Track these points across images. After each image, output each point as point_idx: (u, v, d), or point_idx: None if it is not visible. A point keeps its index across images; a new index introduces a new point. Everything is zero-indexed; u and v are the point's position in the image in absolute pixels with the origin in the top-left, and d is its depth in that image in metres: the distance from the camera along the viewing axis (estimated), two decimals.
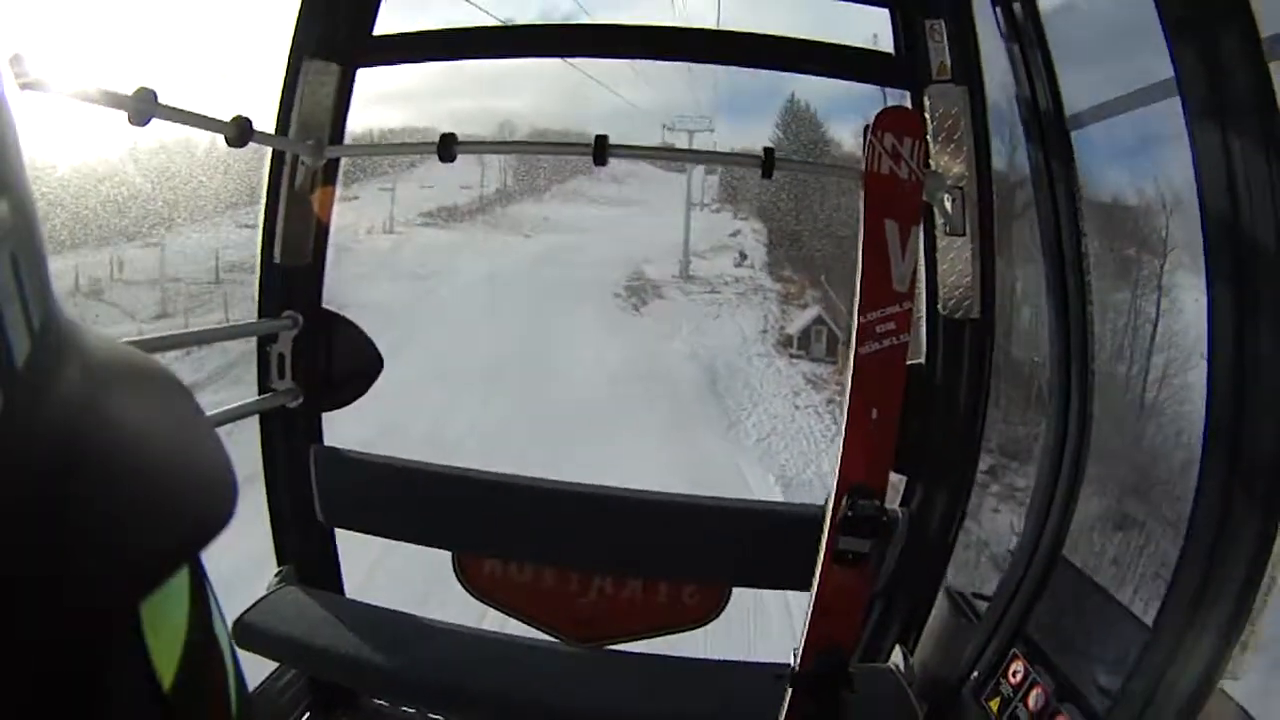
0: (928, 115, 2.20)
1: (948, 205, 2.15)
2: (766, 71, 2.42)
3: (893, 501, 2.26)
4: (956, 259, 2.19)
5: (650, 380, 19.06)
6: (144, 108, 1.72)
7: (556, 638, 2.34)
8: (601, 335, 21.05)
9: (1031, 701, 2.05)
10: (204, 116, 1.99)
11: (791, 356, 21.32)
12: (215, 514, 0.34)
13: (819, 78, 2.37)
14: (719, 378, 20.30)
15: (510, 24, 2.42)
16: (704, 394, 19.40)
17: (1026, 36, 2.18)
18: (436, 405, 15.03)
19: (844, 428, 1.92)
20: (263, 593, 2.38)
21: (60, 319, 0.33)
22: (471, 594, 2.35)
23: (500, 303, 21.46)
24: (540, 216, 29.16)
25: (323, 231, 2.39)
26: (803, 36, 2.29)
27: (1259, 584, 1.58)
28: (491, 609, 2.37)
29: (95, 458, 0.31)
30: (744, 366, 20.96)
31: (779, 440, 17.64)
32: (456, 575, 2.36)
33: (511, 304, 21.40)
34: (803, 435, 17.89)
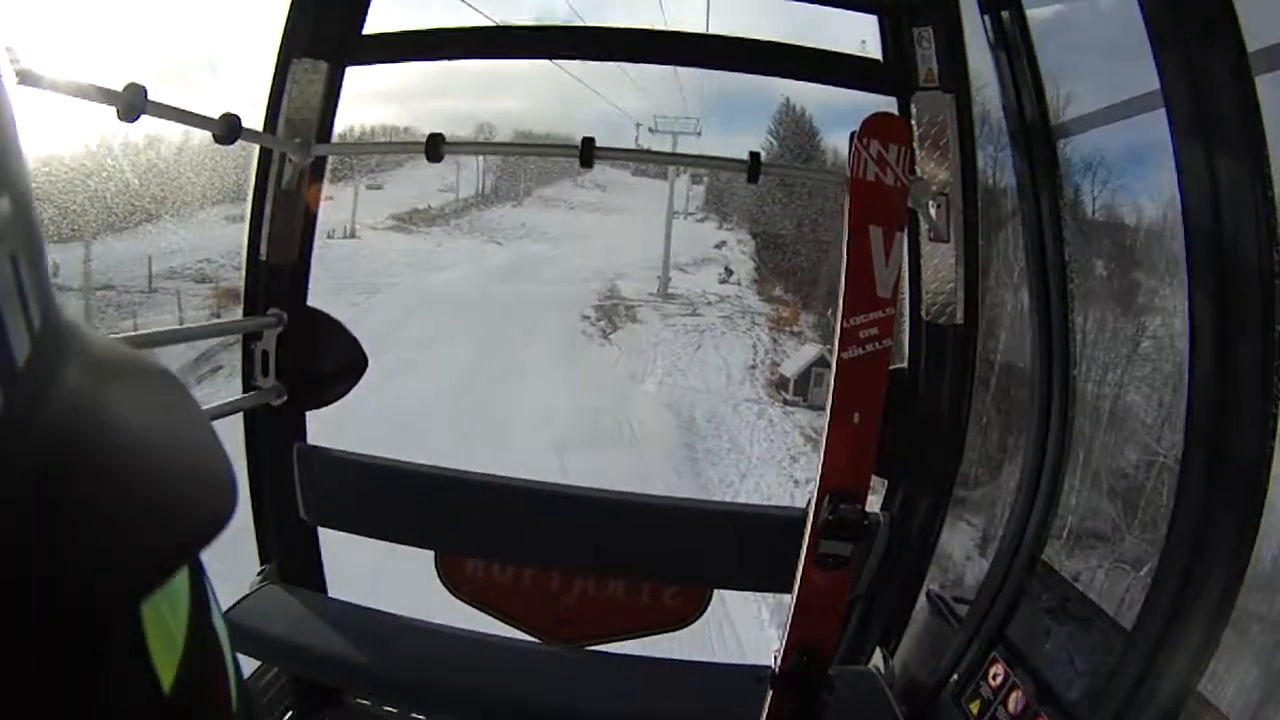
0: (914, 122, 2.22)
1: (932, 211, 2.17)
2: (757, 82, 2.44)
3: (874, 505, 2.28)
4: (940, 265, 2.21)
5: (612, 445, 15.14)
6: (134, 103, 1.71)
7: (538, 638, 2.34)
8: (560, 373, 17.42)
9: (1011, 704, 2.07)
10: (193, 113, 1.98)
11: (786, 403, 17.97)
12: (215, 513, 0.34)
13: (810, 83, 2.38)
14: (699, 434, 16.72)
15: (501, 25, 2.41)
16: (679, 461, 15.54)
17: (1014, 45, 2.20)
18: None
19: (825, 431, 1.93)
20: (245, 592, 2.38)
21: (60, 318, 0.33)
22: (453, 594, 2.35)
23: (448, 328, 18.63)
24: (517, 222, 27.35)
25: (309, 229, 2.39)
26: (791, 42, 2.31)
27: (1238, 588, 1.60)
28: (474, 609, 2.37)
29: (95, 457, 0.31)
30: (729, 417, 17.33)
31: None
32: (439, 575, 2.36)
33: (461, 329, 18.36)
34: None
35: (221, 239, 18.32)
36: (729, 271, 24.01)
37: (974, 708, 2.18)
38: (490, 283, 22.31)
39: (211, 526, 0.33)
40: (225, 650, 0.40)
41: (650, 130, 25.09)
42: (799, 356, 19.11)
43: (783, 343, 20.76)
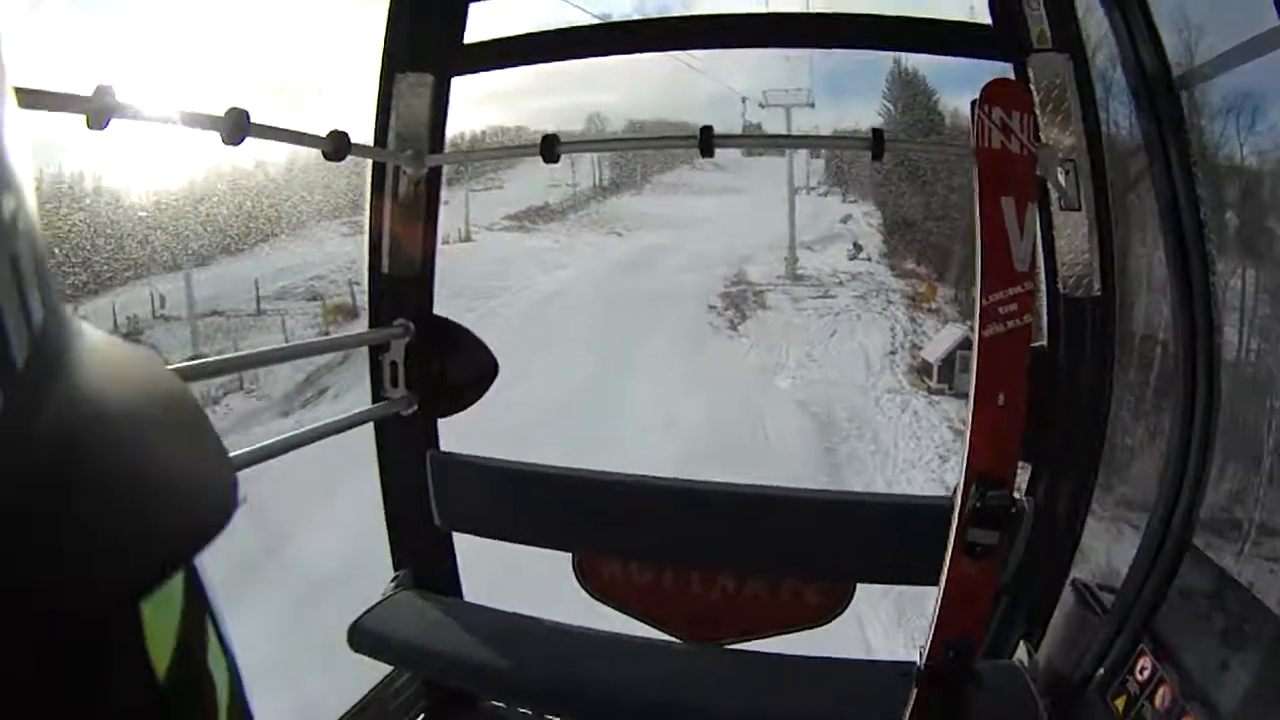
0: (1033, 86, 2.13)
1: (1061, 179, 2.08)
2: (861, 54, 2.38)
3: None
4: (1074, 234, 2.11)
5: (743, 456, 13.40)
6: (237, 128, 1.75)
7: (676, 638, 2.31)
8: (684, 373, 16.07)
9: (1158, 700, 1.96)
10: (299, 133, 2.03)
11: (930, 391, 16.40)
12: (214, 516, 0.34)
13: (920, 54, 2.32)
14: (839, 434, 15.23)
15: (601, 22, 2.42)
16: (818, 468, 13.95)
17: None
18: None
19: (970, 415, 1.86)
20: (378, 598, 2.43)
21: (61, 318, 0.33)
22: (593, 595, 2.35)
23: (566, 330, 17.69)
24: (637, 212, 26.00)
25: (429, 239, 2.44)
26: (896, 14, 2.25)
27: None
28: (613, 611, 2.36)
29: (95, 460, 0.31)
30: (871, 413, 15.75)
31: None
32: (577, 577, 2.37)
33: (581, 330, 17.26)
34: None
35: (338, 254, 18.55)
36: (858, 247, 22.47)
37: (1119, 704, 2.07)
38: (612, 277, 21.28)
39: (211, 527, 0.33)
40: (219, 653, 0.39)
41: (760, 105, 23.81)
42: (940, 338, 17.54)
43: (921, 322, 18.77)
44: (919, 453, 14.77)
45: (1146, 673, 2.03)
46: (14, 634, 0.26)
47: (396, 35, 2.40)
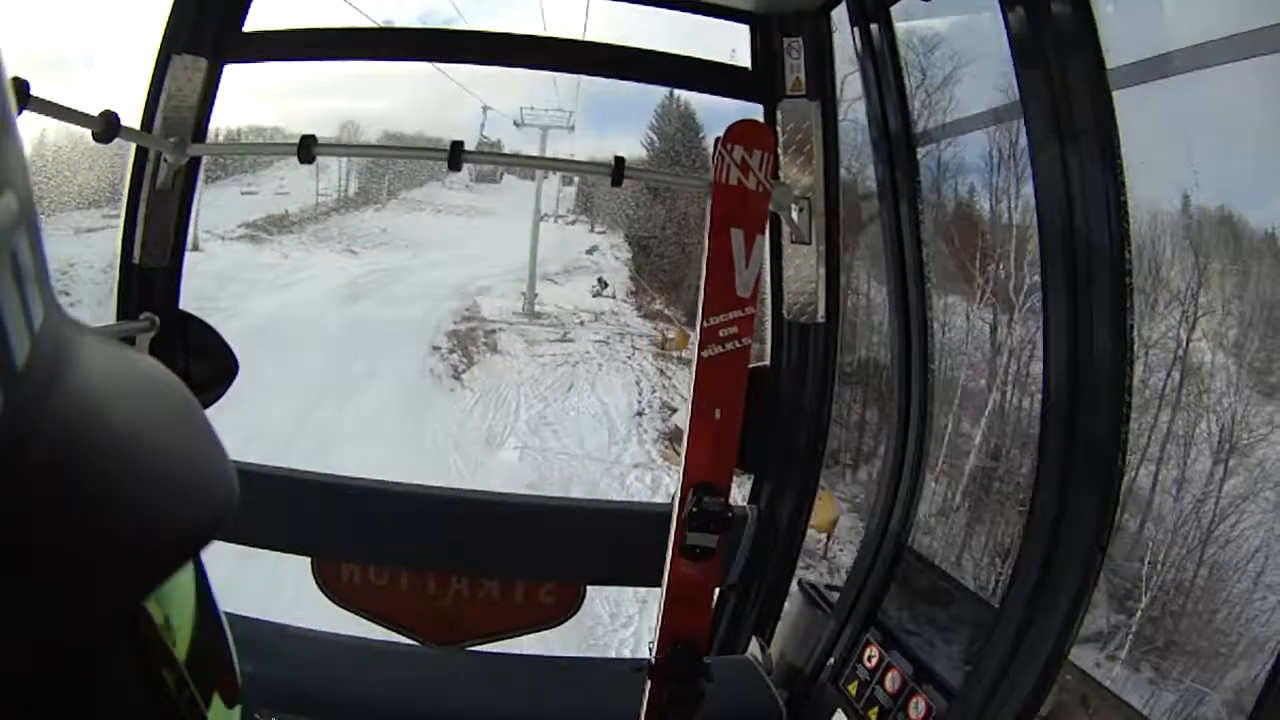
0: (779, 128, 2.31)
1: (795, 215, 2.26)
2: (635, 85, 2.49)
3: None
4: (802, 266, 2.31)
5: None
6: (17, 99, 1.66)
7: (419, 641, 2.35)
8: (393, 438, 12.85)
9: (889, 683, 2.17)
10: (73, 110, 1.92)
11: None
12: (215, 512, 0.34)
13: (681, 90, 2.45)
14: None
15: (383, 26, 2.42)
16: None
17: (881, 57, 2.30)
18: None
19: (687, 427, 2.00)
20: None
21: (61, 318, 0.33)
22: (331, 599, 2.34)
23: (264, 379, 12.93)
24: (377, 228, 24.08)
25: (181, 231, 2.35)
26: (665, 50, 2.38)
27: (1101, 558, 1.71)
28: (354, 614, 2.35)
29: (95, 458, 0.31)
30: (616, 496, 12.59)
31: None
32: (315, 581, 2.35)
33: (282, 378, 13.13)
34: None
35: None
36: (603, 284, 20.95)
37: (852, 689, 2.27)
38: (335, 305, 18.63)
39: (212, 524, 0.34)
40: (228, 635, 0.42)
41: (515, 124, 22.23)
42: None
43: (672, 375, 16.54)
44: None
45: (874, 660, 2.24)
46: (16, 633, 0.26)
47: (178, 14, 2.30)
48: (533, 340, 18.21)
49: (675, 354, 17.22)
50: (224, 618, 0.42)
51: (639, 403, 15.71)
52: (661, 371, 16.91)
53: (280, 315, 17.15)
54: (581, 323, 19.29)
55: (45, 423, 0.29)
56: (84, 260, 14.97)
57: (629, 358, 17.70)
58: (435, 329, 18.04)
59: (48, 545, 0.28)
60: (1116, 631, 7.89)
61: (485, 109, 22.10)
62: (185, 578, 0.37)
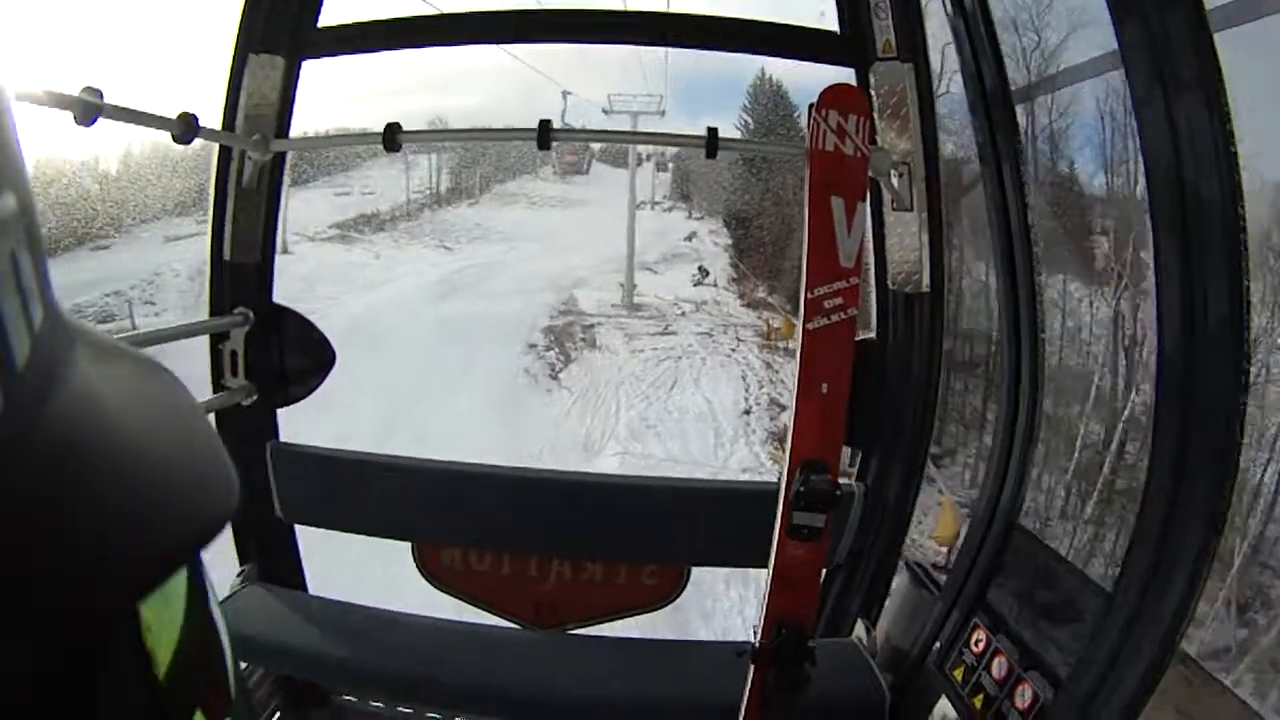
0: (873, 92, 2.22)
1: (894, 181, 2.17)
2: (727, 62, 2.43)
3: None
4: (905, 234, 2.22)
5: None
6: (90, 107, 1.69)
7: (520, 625, 2.35)
8: (486, 441, 11.82)
9: (995, 669, 2.08)
10: (150, 114, 1.96)
11: None
12: (215, 513, 0.34)
13: (771, 58, 2.38)
14: None
15: (456, 12, 2.40)
16: (648, 626, 6.11)
17: (971, 13, 2.19)
18: None
19: (794, 403, 1.93)
20: (226, 593, 2.37)
21: (60, 318, 0.33)
22: (432, 584, 2.36)
23: (351, 380, 10.09)
24: (471, 223, 23.96)
25: (271, 227, 2.39)
26: (749, 17, 2.30)
27: (1217, 541, 1.61)
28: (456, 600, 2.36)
29: (95, 459, 0.31)
30: None
31: None
32: (417, 566, 2.36)
33: (368, 382, 12.05)
34: None
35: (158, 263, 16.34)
36: (704, 272, 20.20)
37: (958, 675, 2.19)
38: (427, 303, 18.20)
39: (212, 525, 0.33)
40: (224, 641, 0.40)
41: (605, 111, 21.51)
42: None
43: (779, 368, 15.33)
44: None
45: (981, 645, 2.15)
46: (15, 633, 0.26)
47: (250, 14, 2.34)
48: (632, 334, 17.39)
49: (781, 345, 16.20)
50: (221, 624, 0.40)
51: (745, 400, 14.75)
52: (768, 365, 15.82)
53: (370, 315, 16.79)
54: (683, 314, 18.60)
55: (45, 423, 0.29)
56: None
57: (733, 350, 16.71)
58: (531, 325, 17.44)
59: (47, 545, 0.27)
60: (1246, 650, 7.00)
61: (565, 95, 21.40)
62: (175, 583, 0.36)
